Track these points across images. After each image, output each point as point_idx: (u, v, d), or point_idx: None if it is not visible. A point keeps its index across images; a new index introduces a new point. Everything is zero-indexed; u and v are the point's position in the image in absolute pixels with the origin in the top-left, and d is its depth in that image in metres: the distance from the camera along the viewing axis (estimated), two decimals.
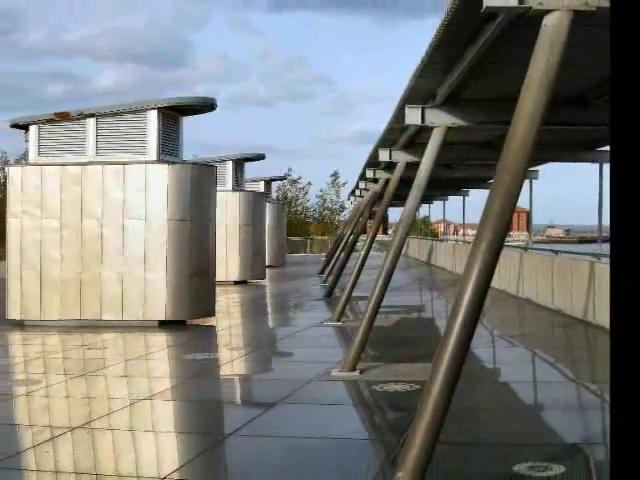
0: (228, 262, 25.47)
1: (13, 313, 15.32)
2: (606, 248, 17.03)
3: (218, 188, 16.91)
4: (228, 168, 26.58)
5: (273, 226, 35.45)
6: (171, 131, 15.55)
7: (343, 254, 24.12)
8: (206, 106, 15.77)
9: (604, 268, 13.59)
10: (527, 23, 5.76)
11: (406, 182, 12.93)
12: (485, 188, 25.14)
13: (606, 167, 16.75)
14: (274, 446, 6.98)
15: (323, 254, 44.70)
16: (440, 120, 10.38)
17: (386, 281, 10.53)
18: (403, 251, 12.71)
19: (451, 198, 34.85)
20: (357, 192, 32.34)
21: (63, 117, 15.39)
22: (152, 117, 15.04)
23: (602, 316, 13.27)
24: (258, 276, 27.24)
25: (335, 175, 68.15)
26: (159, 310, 14.88)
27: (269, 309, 21.42)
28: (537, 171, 21.60)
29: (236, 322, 17.20)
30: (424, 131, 11.68)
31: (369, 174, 21.66)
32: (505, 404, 8.76)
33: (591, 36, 6.23)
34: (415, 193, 10.72)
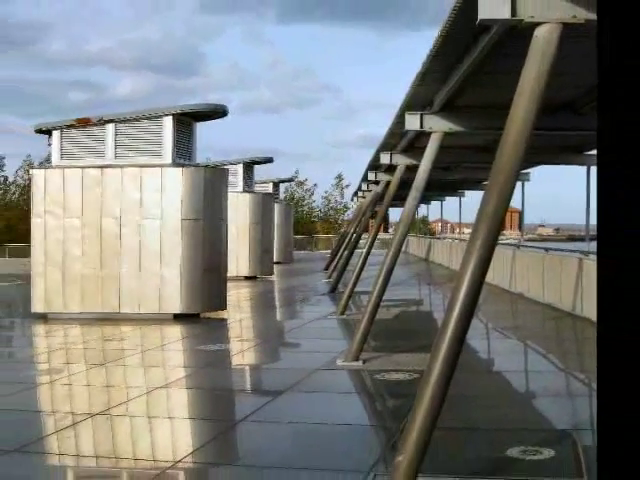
0: (239, 259, 25.49)
1: (38, 306, 15.37)
2: (593, 246, 17.00)
3: (229, 189, 16.92)
4: (239, 171, 26.62)
5: (281, 225, 35.47)
6: (185, 136, 15.55)
7: (347, 251, 24.12)
8: (218, 112, 15.77)
9: (591, 265, 13.56)
10: (520, 34, 5.75)
11: (406, 184, 12.93)
12: (480, 189, 25.10)
13: (593, 169, 16.72)
14: (282, 431, 6.99)
15: (328, 251, 44.68)
16: (438, 126, 10.38)
17: (387, 276, 10.53)
18: (403, 248, 12.71)
19: (448, 199, 34.86)
20: (360, 193, 32.37)
21: (84, 123, 15.41)
22: (167, 123, 15.06)
23: (589, 310, 13.25)
24: (267, 272, 27.26)
25: (339, 177, 68.59)
26: (174, 304, 14.90)
27: (277, 303, 21.43)
28: (529, 173, 21.58)
29: (246, 315, 17.21)
30: (423, 136, 11.67)
31: (371, 176, 21.68)
32: (499, 392, 8.75)
33: (580, 47, 6.21)
34: (414, 194, 10.72)
